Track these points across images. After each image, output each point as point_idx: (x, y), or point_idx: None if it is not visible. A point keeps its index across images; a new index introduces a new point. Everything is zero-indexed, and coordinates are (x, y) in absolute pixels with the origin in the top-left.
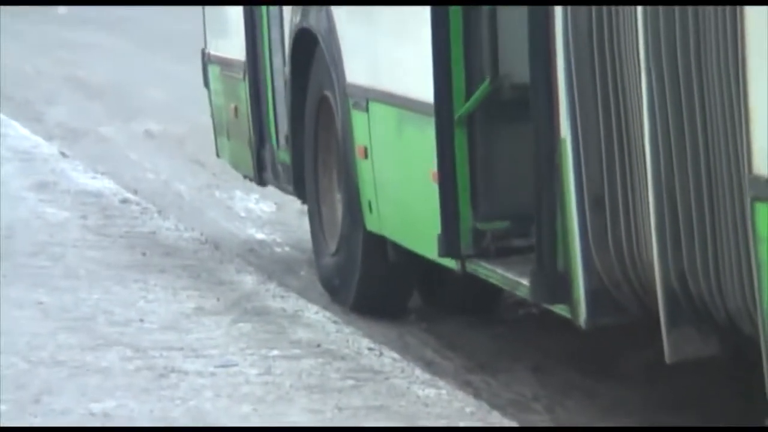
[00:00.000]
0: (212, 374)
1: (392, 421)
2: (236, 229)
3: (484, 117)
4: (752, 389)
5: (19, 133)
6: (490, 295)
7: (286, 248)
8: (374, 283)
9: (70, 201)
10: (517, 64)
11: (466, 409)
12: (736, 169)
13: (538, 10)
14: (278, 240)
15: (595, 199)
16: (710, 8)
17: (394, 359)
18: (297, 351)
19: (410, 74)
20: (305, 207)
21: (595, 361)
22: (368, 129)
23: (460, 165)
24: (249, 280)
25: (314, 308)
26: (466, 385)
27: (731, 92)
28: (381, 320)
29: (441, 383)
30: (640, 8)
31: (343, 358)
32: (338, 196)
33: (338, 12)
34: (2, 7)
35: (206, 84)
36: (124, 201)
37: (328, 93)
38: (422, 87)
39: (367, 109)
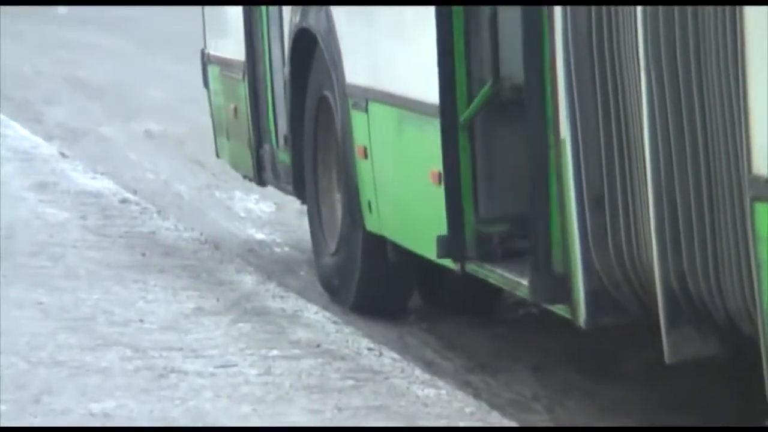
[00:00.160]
0: (212, 374)
1: (392, 422)
2: (236, 229)
3: (484, 118)
4: (752, 389)
5: (19, 133)
6: (490, 295)
7: (286, 248)
8: (374, 283)
9: (70, 201)
10: (517, 65)
11: (465, 409)
12: (736, 169)
13: (531, 11)
14: (278, 240)
15: (594, 200)
16: (710, 8)
17: (393, 359)
18: (297, 351)
19: (410, 74)
20: (305, 207)
21: (595, 361)
22: (368, 129)
23: (463, 168)
24: (249, 280)
25: (314, 308)
26: (465, 386)
27: (731, 92)
28: (381, 320)
29: (441, 383)
30: (639, 8)
31: (342, 358)
32: (338, 196)
33: (338, 12)
34: (2, 7)
35: (206, 84)
36: (124, 201)
37: (327, 93)
38: (422, 87)
39: (366, 110)
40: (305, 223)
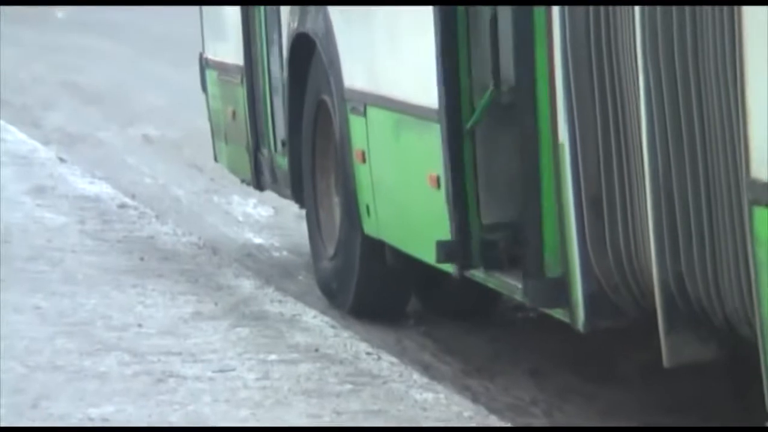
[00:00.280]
0: (210, 379)
1: (390, 425)
2: (234, 234)
3: (484, 123)
4: (750, 392)
5: (17, 137)
6: (488, 299)
7: (284, 252)
8: (372, 286)
9: (68, 206)
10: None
11: (464, 413)
12: (734, 171)
13: (522, 11)
14: (276, 244)
15: (592, 202)
16: (708, 8)
17: (392, 363)
18: (295, 355)
19: (408, 79)
20: (303, 211)
21: (593, 364)
22: (366, 133)
23: (467, 174)
24: (247, 285)
25: (312, 312)
26: (464, 389)
27: (729, 94)
28: (379, 324)
29: (439, 387)
30: (637, 8)
31: (341, 362)
32: (336, 200)
33: (336, 16)
34: (1, 13)
35: (204, 88)
36: (122, 206)
37: (325, 97)
38: (420, 92)
39: (365, 114)
40: (303, 227)
